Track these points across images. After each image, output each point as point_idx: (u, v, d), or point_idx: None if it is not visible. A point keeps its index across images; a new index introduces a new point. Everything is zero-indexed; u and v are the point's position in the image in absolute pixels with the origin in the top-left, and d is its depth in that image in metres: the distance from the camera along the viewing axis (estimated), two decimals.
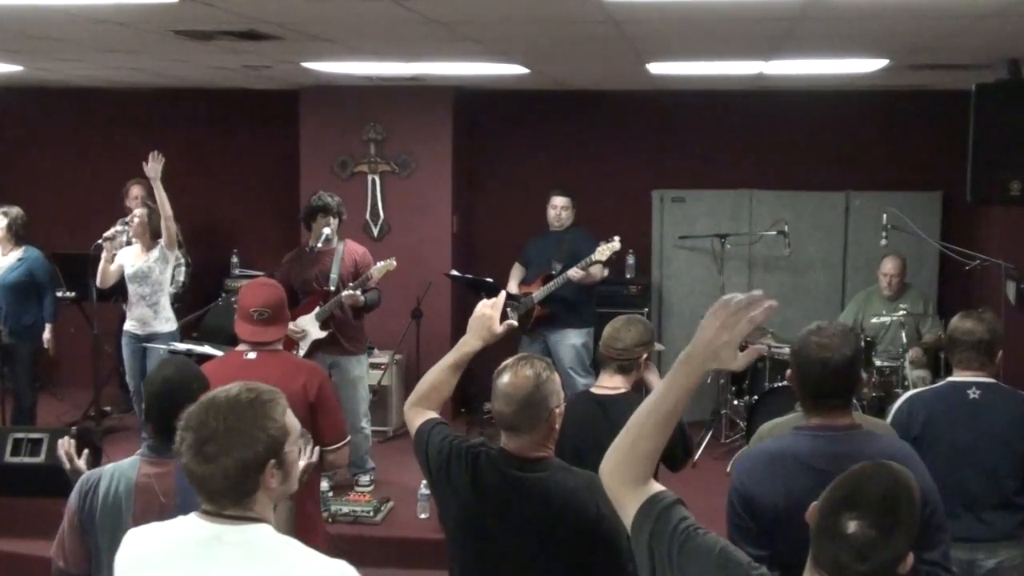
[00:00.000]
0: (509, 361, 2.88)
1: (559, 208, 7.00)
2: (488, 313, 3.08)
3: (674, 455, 3.51)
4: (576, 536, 2.78)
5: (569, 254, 6.76)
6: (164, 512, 2.83)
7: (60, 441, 3.25)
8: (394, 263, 6.12)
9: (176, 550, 2.11)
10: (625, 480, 2.03)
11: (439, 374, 3.09)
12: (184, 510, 2.62)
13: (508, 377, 2.82)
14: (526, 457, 2.83)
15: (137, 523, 2.86)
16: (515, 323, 3.13)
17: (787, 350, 6.14)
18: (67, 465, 3.16)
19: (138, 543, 2.20)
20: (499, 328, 3.07)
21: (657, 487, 2.04)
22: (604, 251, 6.54)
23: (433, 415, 3.07)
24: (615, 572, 2.79)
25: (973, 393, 3.72)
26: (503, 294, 3.24)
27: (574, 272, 6.57)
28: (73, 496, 2.99)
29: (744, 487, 2.78)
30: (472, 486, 2.87)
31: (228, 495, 2.07)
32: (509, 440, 2.87)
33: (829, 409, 2.75)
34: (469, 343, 3.08)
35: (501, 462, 2.86)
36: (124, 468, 2.99)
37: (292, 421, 2.17)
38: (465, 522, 2.91)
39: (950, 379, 3.88)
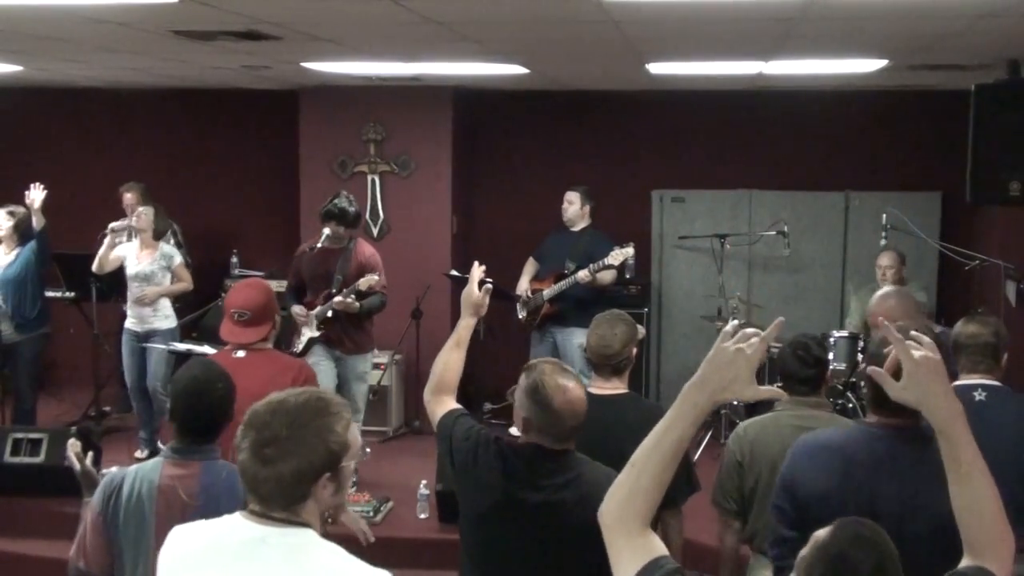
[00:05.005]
0: (547, 380, 2.90)
1: (566, 202, 7.08)
2: (469, 289, 3.27)
3: (678, 490, 3.44)
4: (598, 527, 2.84)
5: (584, 255, 6.78)
6: (187, 513, 2.82)
7: (69, 443, 3.23)
8: (375, 278, 6.01)
9: (220, 549, 2.11)
10: (626, 520, 1.96)
11: (447, 356, 3.22)
12: (206, 511, 2.60)
13: (559, 397, 2.87)
14: (554, 450, 2.93)
15: (160, 525, 2.85)
16: (491, 285, 3.27)
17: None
18: (77, 467, 3.15)
19: (182, 541, 2.20)
20: (479, 295, 3.25)
21: (660, 548, 1.97)
22: (617, 255, 6.56)
23: (455, 405, 3.15)
24: None
25: (979, 395, 3.66)
26: (475, 270, 3.35)
27: (583, 274, 6.60)
28: (96, 497, 3.00)
29: (791, 473, 2.85)
30: (502, 475, 2.93)
31: (278, 499, 2.07)
32: (541, 439, 2.93)
33: (893, 410, 2.67)
34: (464, 320, 3.26)
35: (529, 454, 2.94)
36: (147, 470, 3.00)
37: (354, 437, 2.17)
38: (490, 511, 2.96)
39: (955, 383, 3.83)
